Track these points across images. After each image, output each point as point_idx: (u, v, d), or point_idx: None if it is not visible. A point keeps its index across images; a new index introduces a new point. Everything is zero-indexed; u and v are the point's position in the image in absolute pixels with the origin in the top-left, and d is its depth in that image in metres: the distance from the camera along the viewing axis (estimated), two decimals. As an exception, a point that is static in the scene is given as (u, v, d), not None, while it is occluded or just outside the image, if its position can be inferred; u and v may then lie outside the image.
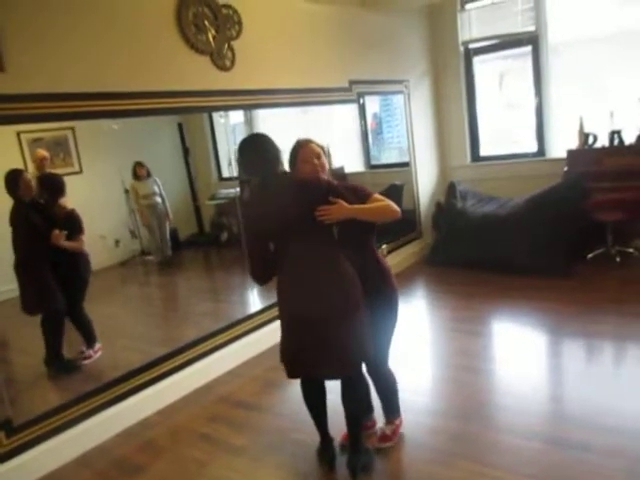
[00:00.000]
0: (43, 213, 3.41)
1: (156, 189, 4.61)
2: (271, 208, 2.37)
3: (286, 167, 2.54)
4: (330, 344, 2.36)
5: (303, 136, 2.60)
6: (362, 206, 2.39)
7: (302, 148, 2.52)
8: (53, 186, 3.44)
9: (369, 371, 2.72)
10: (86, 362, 3.65)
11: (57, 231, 3.38)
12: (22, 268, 3.36)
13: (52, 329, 3.50)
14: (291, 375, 2.54)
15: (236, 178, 5.26)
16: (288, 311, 2.47)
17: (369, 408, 2.92)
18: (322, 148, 2.57)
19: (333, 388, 2.60)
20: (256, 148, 2.46)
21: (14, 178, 3.21)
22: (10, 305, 3.41)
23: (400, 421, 2.88)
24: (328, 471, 2.67)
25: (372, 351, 2.51)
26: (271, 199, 2.39)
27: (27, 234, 3.34)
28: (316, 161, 2.49)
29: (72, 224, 3.47)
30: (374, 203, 2.41)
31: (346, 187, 2.48)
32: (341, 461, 2.66)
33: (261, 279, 2.54)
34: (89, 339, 3.70)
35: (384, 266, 2.63)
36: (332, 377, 2.54)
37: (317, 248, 2.39)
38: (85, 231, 3.55)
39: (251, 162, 2.46)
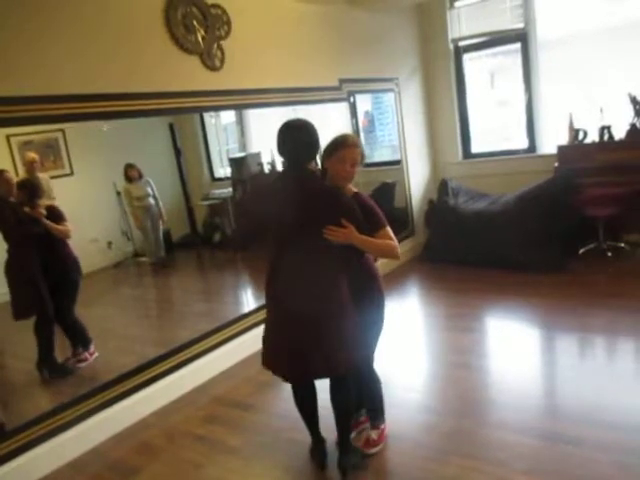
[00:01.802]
0: (27, 215, 3.41)
1: (149, 190, 4.59)
2: (287, 198, 2.32)
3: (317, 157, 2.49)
4: (319, 343, 2.36)
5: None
6: (368, 239, 2.38)
7: (346, 148, 2.45)
8: (31, 189, 3.44)
9: (354, 373, 2.71)
10: (82, 365, 3.64)
11: (38, 208, 3.38)
12: (11, 270, 3.36)
13: (44, 333, 3.49)
14: (269, 364, 2.53)
15: (228, 178, 5.27)
16: (277, 306, 2.47)
17: (359, 405, 2.90)
18: (362, 156, 2.53)
19: (325, 388, 2.59)
20: (292, 132, 2.39)
21: None
22: (2, 309, 3.40)
23: (385, 425, 2.86)
24: (320, 470, 2.68)
25: (364, 353, 2.52)
26: (290, 190, 2.35)
27: (13, 234, 3.33)
28: (349, 168, 2.46)
29: (54, 214, 3.47)
30: (381, 240, 2.41)
31: (364, 205, 2.45)
32: (333, 460, 2.67)
33: (243, 245, 2.53)
34: (84, 342, 3.68)
35: (374, 271, 2.63)
36: (321, 376, 2.52)
37: (315, 250, 2.39)
38: (78, 234, 3.55)
39: (283, 147, 2.40)
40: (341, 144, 2.47)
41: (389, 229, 2.46)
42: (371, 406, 2.83)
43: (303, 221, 2.33)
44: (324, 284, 2.38)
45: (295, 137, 2.38)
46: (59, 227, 3.47)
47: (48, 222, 3.42)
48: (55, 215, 3.48)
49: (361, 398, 2.87)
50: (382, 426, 2.84)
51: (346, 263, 2.44)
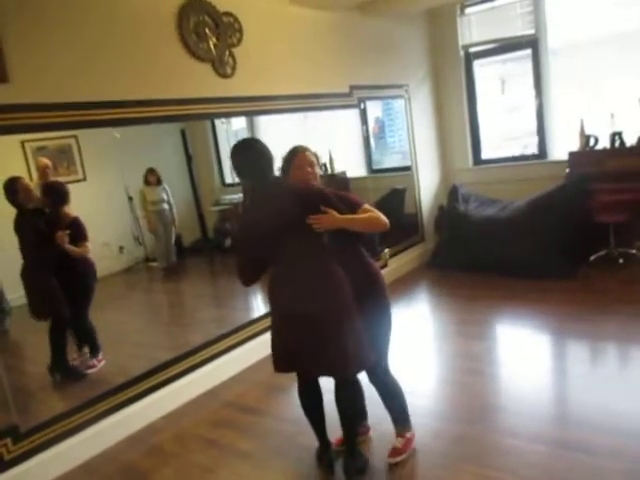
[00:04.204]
0: (47, 221, 3.44)
1: (164, 196, 4.64)
2: (264, 213, 2.39)
3: (277, 173, 2.58)
4: (320, 344, 2.37)
5: (303, 141, 2.65)
6: (353, 216, 2.42)
7: (297, 155, 2.58)
8: (57, 194, 3.47)
9: (371, 380, 2.70)
10: (90, 372, 3.66)
11: (61, 232, 3.41)
12: (27, 275, 3.39)
13: (58, 336, 3.52)
14: (281, 368, 2.54)
15: (239, 184, 5.30)
16: (279, 310, 2.49)
17: (362, 414, 2.90)
18: (316, 157, 2.63)
19: (330, 391, 2.59)
20: (248, 153, 2.47)
21: (11, 185, 3.24)
22: (18, 312, 3.44)
23: (412, 434, 2.80)
24: (328, 474, 2.69)
25: (373, 356, 2.51)
26: (264, 204, 2.41)
27: (32, 241, 3.35)
28: (309, 169, 2.55)
29: (76, 231, 3.49)
30: (364, 214, 2.44)
31: (337, 195, 2.49)
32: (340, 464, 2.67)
33: (248, 281, 2.55)
34: (93, 349, 3.71)
35: (373, 269, 2.64)
36: (329, 374, 2.52)
37: (308, 251, 2.42)
38: (90, 238, 3.58)
39: (242, 167, 2.47)
40: (293, 153, 2.61)
41: (367, 205, 2.49)
42: (393, 412, 2.77)
43: (288, 225, 2.37)
44: (323, 281, 2.40)
45: (249, 157, 2.45)
46: (77, 250, 3.49)
47: (69, 247, 3.43)
48: (77, 231, 3.49)
49: (364, 407, 2.86)
50: (408, 434, 2.77)
51: (342, 254, 2.47)
